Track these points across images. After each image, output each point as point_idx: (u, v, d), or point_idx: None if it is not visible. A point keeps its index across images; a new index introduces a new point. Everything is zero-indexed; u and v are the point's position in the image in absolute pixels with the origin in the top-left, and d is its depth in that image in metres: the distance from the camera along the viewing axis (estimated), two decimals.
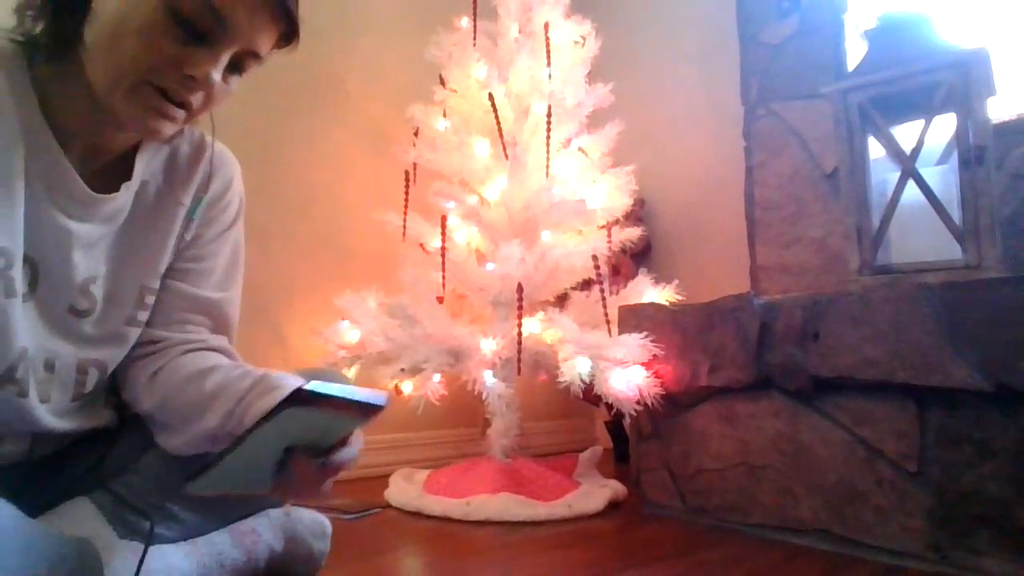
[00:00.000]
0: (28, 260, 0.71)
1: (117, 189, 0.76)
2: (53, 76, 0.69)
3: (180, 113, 0.69)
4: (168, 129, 0.71)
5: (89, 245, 0.76)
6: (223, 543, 0.86)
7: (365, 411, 0.66)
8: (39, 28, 0.68)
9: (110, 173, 0.77)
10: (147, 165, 0.80)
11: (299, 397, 0.60)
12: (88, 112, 0.70)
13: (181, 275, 0.87)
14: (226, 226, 0.90)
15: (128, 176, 0.78)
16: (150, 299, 0.83)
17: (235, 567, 0.86)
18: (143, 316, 0.83)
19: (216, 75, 0.68)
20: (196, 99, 0.69)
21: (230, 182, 0.90)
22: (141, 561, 0.72)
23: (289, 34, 0.73)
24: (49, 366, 0.76)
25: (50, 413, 0.78)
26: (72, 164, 0.72)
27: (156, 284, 0.84)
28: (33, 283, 0.72)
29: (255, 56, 0.71)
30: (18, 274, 0.70)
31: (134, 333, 0.83)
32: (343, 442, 0.70)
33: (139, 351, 0.85)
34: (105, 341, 0.81)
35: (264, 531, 0.90)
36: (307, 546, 0.93)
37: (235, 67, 0.71)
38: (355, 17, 2.09)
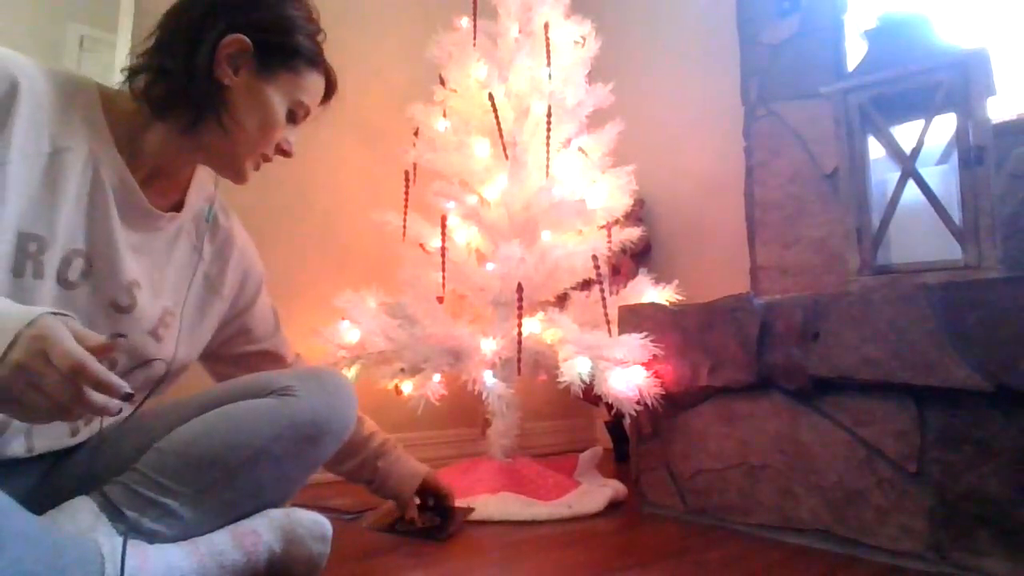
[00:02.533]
0: (85, 255, 0.82)
1: (165, 207, 0.92)
2: (145, 118, 0.86)
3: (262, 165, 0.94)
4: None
5: (139, 252, 0.88)
6: (223, 543, 0.86)
7: None
8: (152, 89, 0.84)
9: (164, 195, 0.92)
10: (192, 200, 0.97)
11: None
12: (167, 148, 0.87)
13: None
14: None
15: (174, 195, 0.94)
16: (169, 319, 0.93)
17: (235, 567, 0.86)
18: (163, 333, 0.92)
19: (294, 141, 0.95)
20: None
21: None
22: (123, 555, 0.73)
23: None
24: None
25: None
26: (138, 182, 0.86)
27: (176, 311, 0.95)
28: (86, 274, 0.82)
29: None
30: (52, 260, 0.78)
31: (154, 347, 0.90)
32: None
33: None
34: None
35: (264, 532, 0.90)
36: (307, 549, 0.93)
37: None
38: (355, 17, 2.09)
